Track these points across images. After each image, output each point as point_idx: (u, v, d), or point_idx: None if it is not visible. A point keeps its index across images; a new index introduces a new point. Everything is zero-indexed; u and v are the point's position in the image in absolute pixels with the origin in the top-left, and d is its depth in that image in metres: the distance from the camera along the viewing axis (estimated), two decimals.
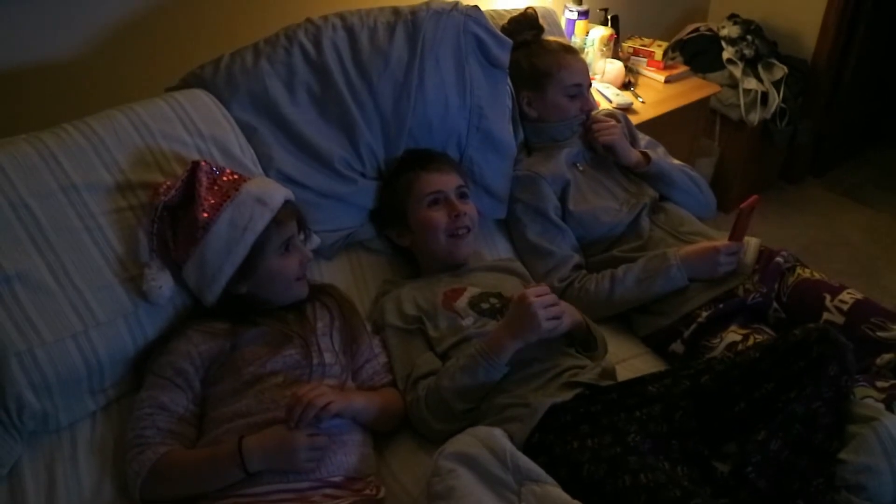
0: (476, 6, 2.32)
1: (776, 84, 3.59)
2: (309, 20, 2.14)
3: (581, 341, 1.90)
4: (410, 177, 2.09)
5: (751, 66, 3.62)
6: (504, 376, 1.75)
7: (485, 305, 1.93)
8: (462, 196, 2.10)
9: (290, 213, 1.79)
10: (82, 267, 1.68)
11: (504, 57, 2.33)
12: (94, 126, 1.79)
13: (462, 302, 1.94)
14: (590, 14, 3.13)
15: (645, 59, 3.37)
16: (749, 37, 3.62)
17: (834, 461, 1.48)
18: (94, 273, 1.69)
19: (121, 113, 1.84)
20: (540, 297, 1.71)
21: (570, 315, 1.81)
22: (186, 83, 2.04)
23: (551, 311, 1.72)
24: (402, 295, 2.00)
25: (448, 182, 2.08)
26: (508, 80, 2.40)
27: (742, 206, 2.04)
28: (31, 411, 1.60)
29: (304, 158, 2.06)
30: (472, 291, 1.97)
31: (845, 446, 1.50)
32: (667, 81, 3.32)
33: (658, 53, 3.35)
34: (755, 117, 3.54)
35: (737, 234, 2.08)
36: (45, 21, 2.09)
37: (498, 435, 1.50)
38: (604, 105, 2.93)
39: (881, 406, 1.64)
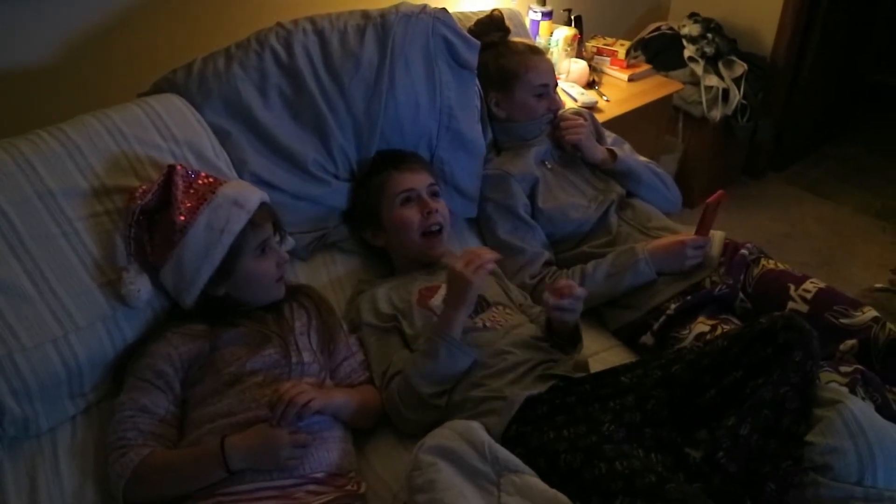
0: (444, 9, 2.35)
1: (737, 81, 3.66)
2: (280, 24, 2.16)
3: (567, 337, 1.93)
4: (383, 177, 2.11)
5: (711, 63, 3.67)
6: (479, 369, 1.79)
7: None
8: (434, 195, 2.13)
9: (265, 215, 1.80)
10: (60, 272, 1.68)
11: (472, 58, 2.37)
12: (68, 132, 1.80)
13: (437, 300, 1.96)
14: (553, 15, 3.17)
15: (608, 59, 3.42)
16: (709, 35, 3.69)
17: (801, 444, 1.53)
18: (72, 278, 1.69)
19: (95, 118, 1.85)
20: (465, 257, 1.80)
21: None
22: (159, 88, 2.05)
23: (474, 265, 1.78)
24: (377, 294, 2.02)
25: (420, 181, 2.11)
26: (477, 81, 2.44)
27: (708, 200, 2.09)
28: (11, 416, 1.60)
29: (278, 161, 2.08)
30: (446, 289, 1.99)
31: (812, 429, 1.54)
32: (630, 80, 3.37)
33: (621, 52, 3.40)
34: (717, 114, 3.60)
35: (703, 228, 2.13)
36: (16, 27, 2.09)
37: (476, 428, 1.52)
38: (569, 104, 2.97)
39: (845, 390, 1.70)
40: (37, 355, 1.62)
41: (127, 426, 1.61)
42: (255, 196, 1.78)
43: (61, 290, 1.67)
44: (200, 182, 1.76)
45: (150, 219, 1.76)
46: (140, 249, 1.75)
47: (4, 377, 1.58)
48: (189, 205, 1.70)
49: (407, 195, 2.09)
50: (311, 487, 1.58)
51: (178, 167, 1.74)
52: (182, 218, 1.69)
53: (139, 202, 1.71)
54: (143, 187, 1.74)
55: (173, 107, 1.97)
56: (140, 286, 1.71)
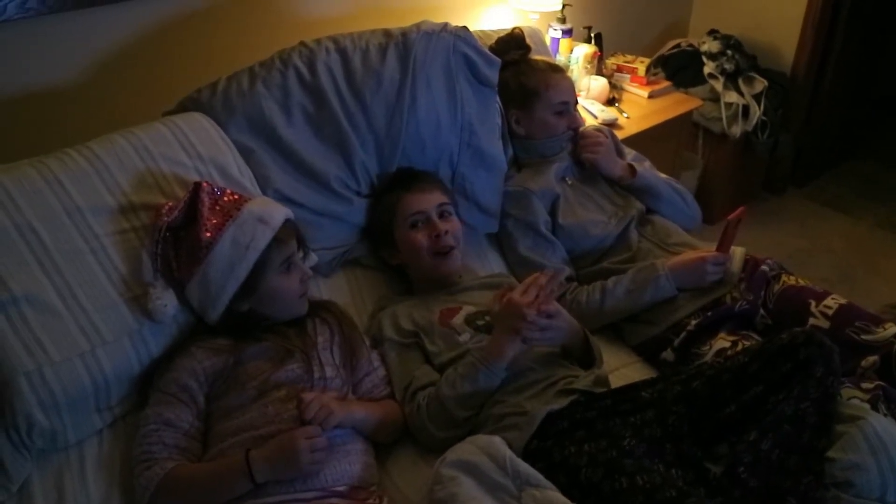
0: (465, 27, 2.37)
1: (756, 97, 3.65)
2: (303, 43, 2.18)
3: (578, 357, 1.94)
4: (392, 199, 2.13)
5: (731, 80, 3.68)
6: (500, 387, 1.79)
7: (480, 322, 1.96)
8: (444, 214, 2.13)
9: (290, 232, 1.83)
10: (88, 288, 1.71)
11: (493, 75, 2.38)
12: (96, 150, 1.83)
13: (458, 319, 1.97)
14: (573, 32, 3.19)
15: (628, 76, 3.43)
16: (729, 51, 3.69)
17: (822, 459, 1.53)
18: (99, 293, 1.72)
19: (121, 137, 1.88)
20: (526, 295, 1.76)
21: (567, 324, 1.85)
22: (184, 107, 2.08)
23: (539, 315, 1.75)
24: (397, 311, 2.04)
25: (428, 202, 2.11)
26: (497, 98, 2.45)
27: (730, 217, 2.09)
28: (40, 429, 1.63)
29: (301, 178, 2.10)
30: (467, 310, 2.00)
31: (833, 445, 1.54)
32: (650, 97, 3.38)
33: (641, 69, 3.41)
34: (737, 130, 3.60)
35: (724, 245, 2.13)
36: (45, 47, 2.13)
37: (497, 442, 1.53)
38: (589, 121, 2.98)
39: (867, 406, 1.69)
40: (65, 369, 1.64)
41: (152, 440, 1.63)
42: (279, 213, 1.81)
43: (89, 305, 1.70)
44: (226, 199, 1.78)
45: (175, 235, 1.78)
46: (166, 265, 1.78)
47: (33, 390, 1.61)
48: (214, 221, 1.73)
49: (415, 218, 2.09)
50: (334, 500, 1.59)
51: (204, 184, 1.77)
52: (208, 234, 1.71)
53: (166, 219, 1.73)
54: (170, 204, 1.77)
55: (198, 125, 2.00)
56: (167, 301, 1.74)
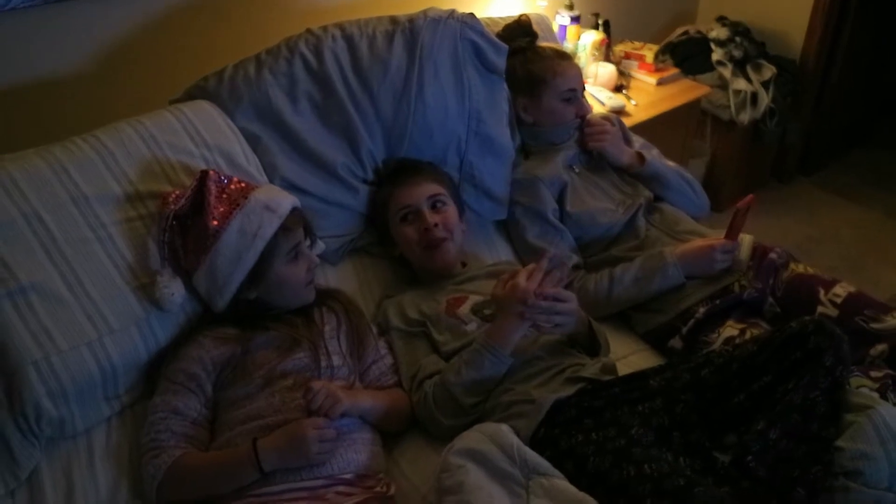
0: (472, 13, 2.36)
1: (765, 84, 3.63)
2: (309, 31, 2.18)
3: (584, 346, 1.93)
4: (384, 194, 2.13)
5: (740, 67, 3.65)
6: (508, 375, 1.79)
7: (487, 311, 1.95)
8: (435, 205, 2.10)
9: (297, 220, 1.83)
10: (95, 276, 1.71)
11: (500, 62, 2.37)
12: (102, 139, 1.83)
13: (465, 309, 1.97)
14: (581, 19, 3.17)
15: (636, 63, 3.41)
16: (737, 38, 3.66)
17: (831, 449, 1.52)
18: (106, 282, 1.72)
19: (128, 125, 1.88)
20: (531, 280, 1.74)
21: (574, 314, 1.85)
22: (190, 95, 2.08)
23: (544, 300, 1.74)
24: (403, 301, 2.04)
25: (418, 194, 2.09)
26: (505, 85, 2.44)
27: (738, 204, 2.08)
28: (48, 418, 1.63)
29: (308, 166, 2.10)
30: (474, 299, 2.00)
31: (842, 434, 1.53)
32: (658, 84, 3.36)
33: (649, 56, 3.39)
34: (745, 117, 3.57)
35: (732, 233, 2.11)
36: (51, 38, 2.13)
37: (505, 430, 1.53)
38: (597, 108, 2.96)
39: (876, 395, 1.68)
40: (72, 358, 1.65)
41: (160, 428, 1.64)
42: (286, 201, 1.81)
43: (96, 293, 1.70)
44: (233, 187, 1.78)
45: (182, 224, 1.78)
46: (173, 254, 1.78)
47: (41, 379, 1.61)
48: (222, 210, 1.73)
49: (405, 212, 2.08)
50: (341, 488, 1.60)
51: (211, 172, 1.77)
52: (215, 223, 1.71)
53: (173, 207, 1.74)
54: (177, 192, 1.77)
55: (205, 113, 2.00)
56: (174, 290, 1.74)
